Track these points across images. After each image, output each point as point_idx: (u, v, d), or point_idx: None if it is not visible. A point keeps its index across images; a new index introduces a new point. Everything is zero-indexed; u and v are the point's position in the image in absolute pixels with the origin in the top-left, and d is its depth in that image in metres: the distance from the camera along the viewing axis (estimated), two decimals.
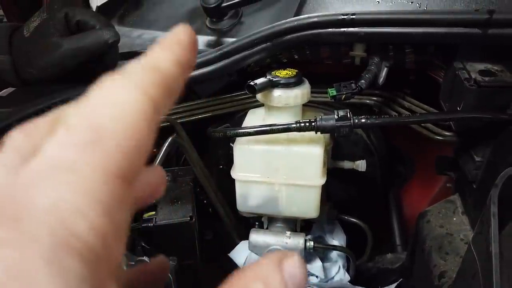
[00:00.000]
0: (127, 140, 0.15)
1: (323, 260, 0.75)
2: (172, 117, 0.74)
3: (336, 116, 0.57)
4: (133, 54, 0.77)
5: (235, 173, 0.65)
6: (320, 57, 0.70)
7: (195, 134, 0.77)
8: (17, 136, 0.18)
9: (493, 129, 0.53)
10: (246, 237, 0.72)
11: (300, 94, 0.60)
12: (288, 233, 0.69)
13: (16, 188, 0.14)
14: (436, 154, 0.70)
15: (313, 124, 0.57)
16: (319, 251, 0.73)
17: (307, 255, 0.71)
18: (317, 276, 0.72)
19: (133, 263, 0.54)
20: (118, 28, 0.74)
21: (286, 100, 0.60)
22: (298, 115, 0.64)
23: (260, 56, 0.64)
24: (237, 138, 0.64)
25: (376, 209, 0.85)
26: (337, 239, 0.77)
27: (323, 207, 0.70)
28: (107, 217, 0.14)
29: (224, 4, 0.73)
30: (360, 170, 0.70)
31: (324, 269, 0.73)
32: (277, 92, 0.60)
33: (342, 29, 0.58)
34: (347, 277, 0.73)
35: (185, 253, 0.70)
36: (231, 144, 0.65)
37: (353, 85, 0.59)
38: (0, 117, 0.61)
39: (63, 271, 0.13)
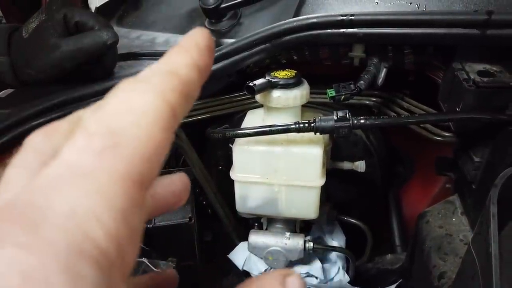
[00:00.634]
0: (145, 147, 0.15)
1: (323, 261, 0.74)
2: None
3: (335, 117, 0.57)
4: (132, 55, 0.77)
5: (234, 174, 0.65)
6: (319, 58, 0.70)
7: (194, 135, 0.76)
8: (37, 138, 0.18)
9: (492, 130, 0.53)
10: (245, 238, 0.72)
11: (299, 95, 0.60)
12: (288, 234, 0.69)
13: (35, 192, 0.14)
14: (435, 154, 0.70)
15: (312, 125, 0.57)
16: (319, 252, 0.73)
17: (307, 256, 0.71)
18: (316, 277, 0.72)
19: None
20: (117, 29, 0.74)
21: (285, 101, 0.60)
22: (297, 116, 0.64)
23: (259, 57, 0.64)
24: (236, 139, 0.64)
25: (375, 210, 0.85)
26: (337, 240, 0.77)
27: (323, 208, 0.70)
28: (123, 223, 0.14)
29: (223, 5, 0.73)
30: (359, 170, 0.70)
31: (324, 270, 0.73)
32: (276, 93, 0.60)
33: (341, 30, 0.58)
34: (346, 278, 0.73)
35: (185, 254, 0.70)
36: (230, 145, 0.65)
37: (352, 86, 0.59)
38: None
39: (78, 278, 0.13)
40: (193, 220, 0.64)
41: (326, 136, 0.65)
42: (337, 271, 0.74)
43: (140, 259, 0.54)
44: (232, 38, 0.73)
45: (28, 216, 0.13)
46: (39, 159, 0.17)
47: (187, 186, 0.23)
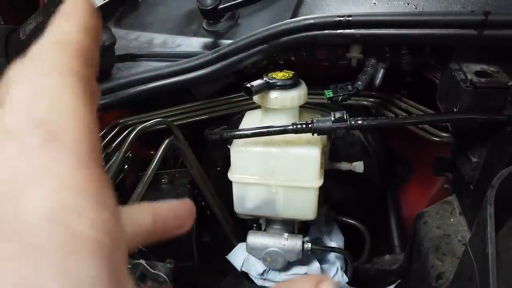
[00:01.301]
0: (80, 134, 0.15)
1: (321, 261, 0.74)
2: (169, 119, 0.74)
3: (333, 118, 0.57)
4: (129, 57, 0.77)
5: (232, 175, 0.65)
6: (316, 59, 0.70)
7: (192, 136, 0.76)
8: None
9: (489, 130, 0.53)
10: (243, 239, 0.72)
11: (297, 96, 0.60)
12: (286, 235, 0.69)
13: (2, 200, 0.13)
14: (433, 155, 0.70)
15: (310, 126, 0.57)
16: (317, 253, 0.73)
17: (305, 257, 0.71)
18: None
19: (130, 266, 0.53)
20: (114, 30, 0.74)
21: (283, 102, 0.60)
22: (295, 117, 0.64)
23: (256, 58, 0.64)
24: (234, 140, 0.64)
25: (373, 211, 0.85)
26: (335, 241, 0.77)
27: (321, 208, 0.70)
28: (101, 209, 0.14)
29: (221, 6, 0.73)
30: (357, 171, 0.70)
31: (322, 271, 0.73)
32: (274, 94, 0.60)
33: (338, 31, 0.58)
34: (345, 279, 0.73)
35: (183, 256, 0.70)
36: (228, 146, 0.65)
37: (349, 86, 0.59)
38: None
39: (75, 277, 0.12)
40: None
41: (324, 137, 0.65)
42: (336, 272, 0.74)
43: (138, 261, 0.54)
44: (229, 39, 0.74)
45: (6, 226, 0.13)
46: None
47: (192, 213, 0.23)
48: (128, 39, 0.83)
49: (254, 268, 0.73)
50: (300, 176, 0.62)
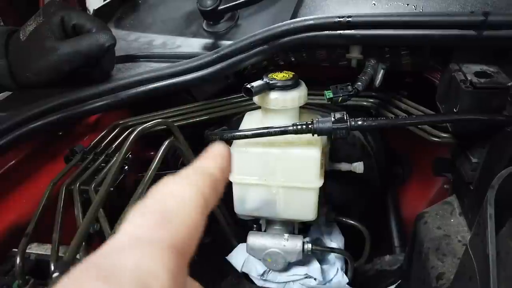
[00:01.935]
0: (187, 226, 0.21)
1: (321, 262, 0.74)
2: (169, 120, 0.74)
3: (333, 119, 0.57)
4: (129, 58, 0.77)
5: (233, 175, 0.65)
6: (316, 60, 0.70)
7: (193, 137, 0.76)
8: None
9: (489, 131, 0.54)
10: (244, 240, 0.72)
11: (297, 96, 0.61)
12: (286, 235, 0.69)
13: (106, 255, 0.18)
14: (433, 155, 0.70)
15: (310, 126, 0.57)
16: (317, 254, 0.73)
17: (305, 258, 0.71)
18: (315, 279, 0.72)
19: None
20: (114, 31, 0.74)
21: (283, 103, 0.60)
22: (295, 118, 0.64)
23: (256, 59, 0.64)
24: (234, 141, 0.64)
25: (374, 211, 0.86)
26: (335, 241, 0.77)
27: (321, 209, 0.70)
28: (173, 281, 0.18)
29: (220, 7, 0.73)
30: (357, 172, 0.70)
31: (322, 272, 0.73)
32: (274, 95, 0.60)
33: (338, 32, 0.58)
34: (345, 279, 0.73)
35: None
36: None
37: (349, 87, 0.60)
38: None
39: None
40: None
41: (324, 137, 0.65)
42: (336, 273, 0.74)
43: None
44: (229, 40, 0.74)
45: (103, 273, 0.17)
46: None
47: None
48: (128, 40, 0.83)
49: (255, 268, 0.73)
50: (300, 177, 0.62)
